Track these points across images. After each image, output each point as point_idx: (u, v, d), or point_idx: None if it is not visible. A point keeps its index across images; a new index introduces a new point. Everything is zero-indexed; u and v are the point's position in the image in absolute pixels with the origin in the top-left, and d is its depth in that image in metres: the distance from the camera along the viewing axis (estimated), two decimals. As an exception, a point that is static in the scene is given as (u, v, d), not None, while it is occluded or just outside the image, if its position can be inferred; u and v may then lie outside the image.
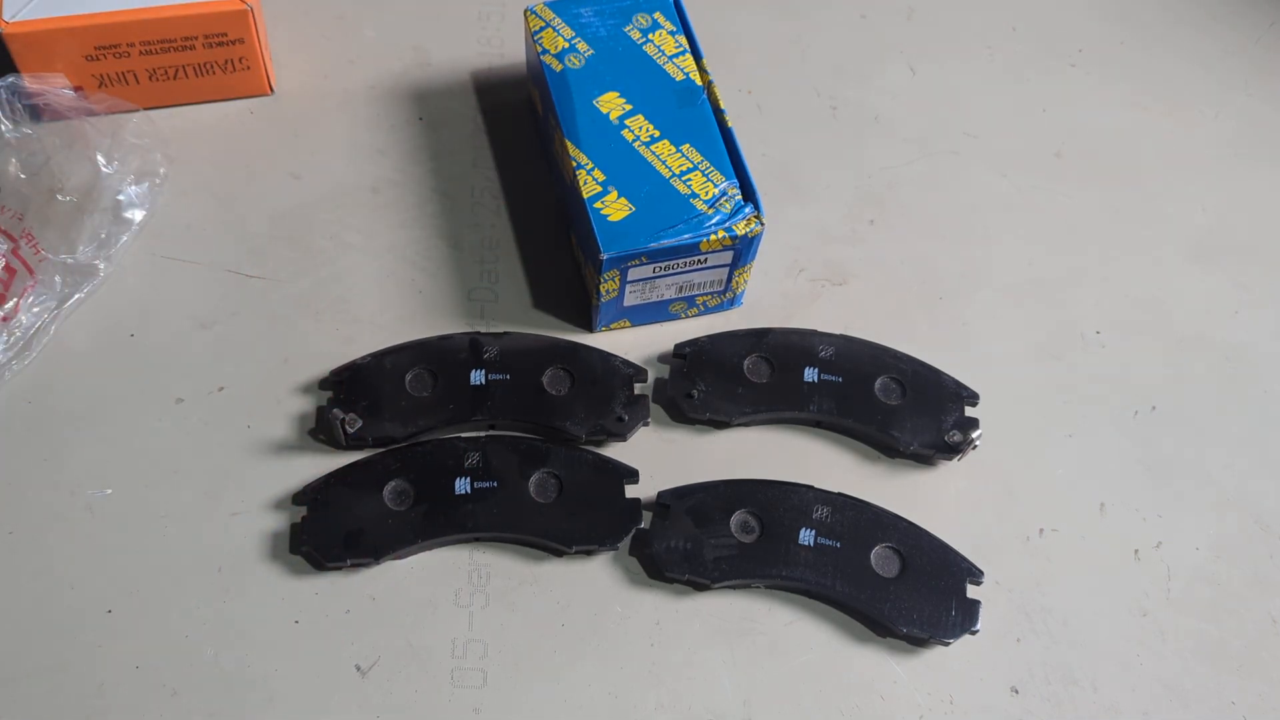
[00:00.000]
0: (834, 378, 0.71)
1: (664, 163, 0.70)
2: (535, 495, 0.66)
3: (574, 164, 0.70)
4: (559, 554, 0.66)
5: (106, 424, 0.69)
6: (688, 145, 0.71)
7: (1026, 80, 0.87)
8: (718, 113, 0.72)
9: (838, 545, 0.65)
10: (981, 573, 0.66)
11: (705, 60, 0.74)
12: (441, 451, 0.67)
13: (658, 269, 0.69)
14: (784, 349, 0.72)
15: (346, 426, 0.67)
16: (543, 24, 0.75)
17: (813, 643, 0.65)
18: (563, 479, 0.67)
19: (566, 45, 0.74)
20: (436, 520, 0.65)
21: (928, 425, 0.70)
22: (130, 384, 0.70)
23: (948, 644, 0.65)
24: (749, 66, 0.86)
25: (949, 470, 0.71)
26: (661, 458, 0.70)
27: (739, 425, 0.71)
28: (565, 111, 0.72)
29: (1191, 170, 0.84)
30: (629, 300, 0.71)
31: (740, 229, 0.68)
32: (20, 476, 0.67)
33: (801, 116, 0.84)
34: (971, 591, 0.65)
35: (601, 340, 0.73)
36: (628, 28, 0.75)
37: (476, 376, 0.70)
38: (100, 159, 0.73)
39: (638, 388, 0.71)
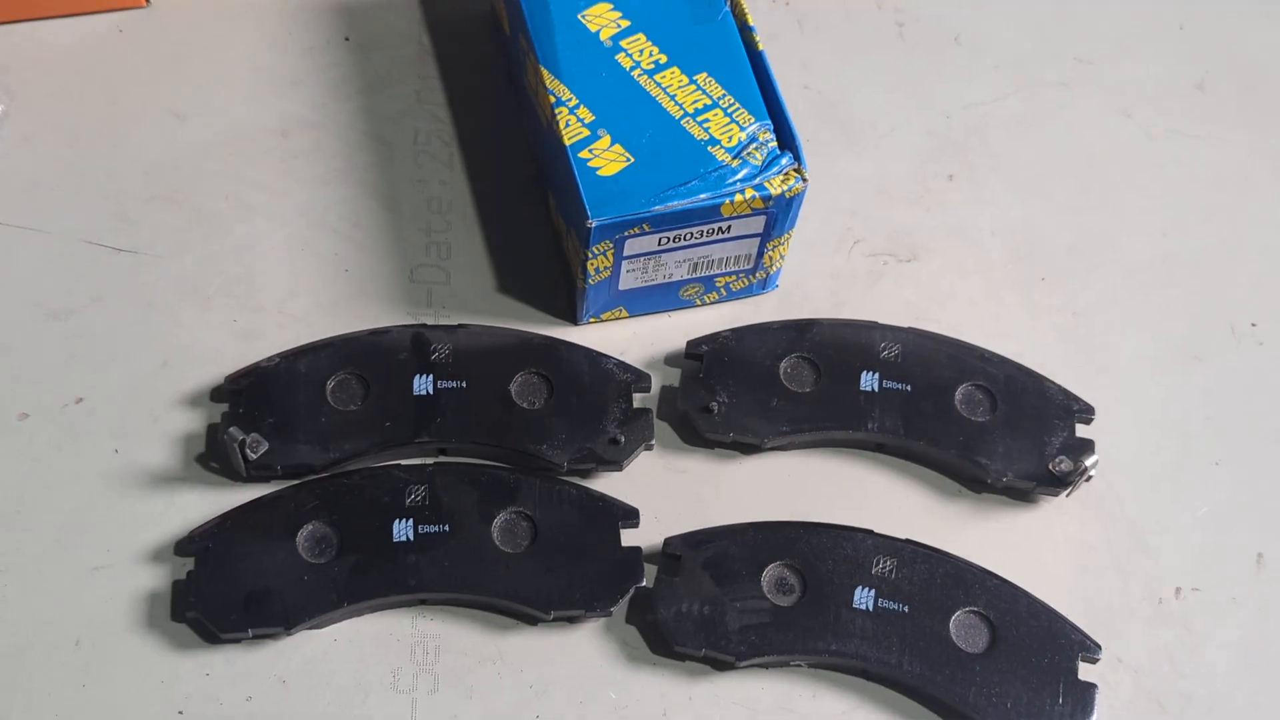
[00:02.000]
0: (900, 385, 0.71)
1: (673, 98, 0.70)
2: (500, 543, 0.67)
3: (552, 100, 0.70)
4: (532, 621, 0.67)
5: (-75, 448, 0.69)
6: (704, 75, 0.71)
7: (1158, -13, 0.88)
8: (745, 30, 0.73)
9: (905, 610, 0.66)
10: (1099, 647, 0.66)
11: (728, -40, 0.75)
12: (375, 485, 0.68)
13: (664, 240, 0.69)
14: (833, 347, 0.72)
15: (248, 451, 0.67)
16: (510, -88, 0.76)
17: (872, 741, 0.66)
18: (537, 521, 0.67)
19: (542, -60, 0.75)
20: (368, 576, 0.66)
21: (1026, 449, 0.70)
22: (-43, 394, 0.71)
23: (1053, 742, 0.65)
24: (786, -32, 0.87)
25: (1054, 509, 0.71)
26: (670, 493, 0.70)
27: (773, 449, 0.71)
28: (541, 29, 0.72)
29: (1380, 108, 0.84)
30: (626, 282, 0.72)
31: (775, 187, 0.68)
32: None
33: (857, 35, 0.84)
34: (1085, 672, 0.66)
35: (590, 336, 0.74)
36: (624, -83, 0.76)
37: (421, 384, 0.70)
38: (-83, 92, 0.74)
39: (637, 399, 0.71)
